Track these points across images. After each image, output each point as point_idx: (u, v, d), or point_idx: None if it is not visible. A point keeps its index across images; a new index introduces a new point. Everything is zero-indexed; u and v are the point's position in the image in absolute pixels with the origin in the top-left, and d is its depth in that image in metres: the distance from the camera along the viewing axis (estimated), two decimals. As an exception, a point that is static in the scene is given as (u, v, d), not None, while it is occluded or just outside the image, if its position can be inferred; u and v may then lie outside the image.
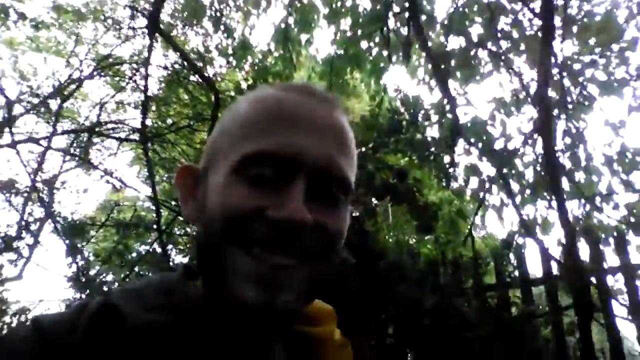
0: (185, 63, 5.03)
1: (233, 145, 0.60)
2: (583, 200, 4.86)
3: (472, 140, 4.76)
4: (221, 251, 0.57)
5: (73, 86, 6.96)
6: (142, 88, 6.89)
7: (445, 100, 4.21)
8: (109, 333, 0.55)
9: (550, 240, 4.70)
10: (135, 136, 5.84)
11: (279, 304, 0.55)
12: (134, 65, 6.70)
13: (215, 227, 0.57)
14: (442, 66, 3.88)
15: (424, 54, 5.93)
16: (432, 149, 4.43)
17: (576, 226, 4.88)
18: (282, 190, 0.56)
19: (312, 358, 0.68)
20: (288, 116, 0.59)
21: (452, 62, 4.80)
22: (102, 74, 7.01)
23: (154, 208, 9.65)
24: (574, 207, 4.95)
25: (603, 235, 4.44)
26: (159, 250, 5.39)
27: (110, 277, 7.90)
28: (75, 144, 6.74)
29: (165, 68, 5.87)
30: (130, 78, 6.65)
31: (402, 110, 4.29)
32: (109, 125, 7.02)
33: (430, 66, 5.71)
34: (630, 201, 4.66)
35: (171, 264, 4.13)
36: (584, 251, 4.37)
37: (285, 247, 0.55)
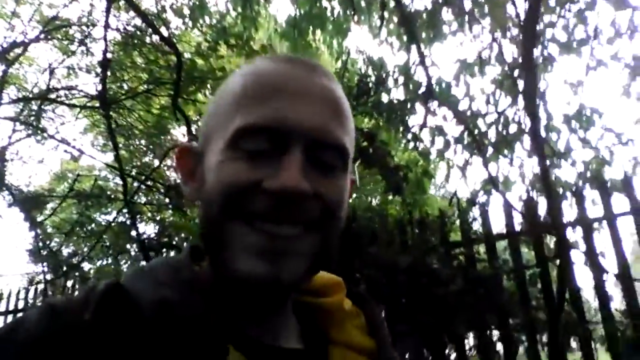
0: (144, 24, 4.77)
1: (226, 121, 0.59)
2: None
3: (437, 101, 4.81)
4: (223, 228, 0.56)
5: (17, 50, 6.50)
6: (94, 52, 6.57)
7: (418, 61, 4.18)
8: (119, 310, 0.55)
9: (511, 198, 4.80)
10: (94, 103, 5.55)
11: (284, 276, 0.55)
12: (84, 28, 6.33)
13: (215, 204, 0.57)
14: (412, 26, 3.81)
15: (386, 14, 5.90)
16: (398, 112, 4.43)
17: (537, 183, 5.07)
18: (277, 161, 0.56)
19: (324, 329, 0.68)
20: (279, 87, 0.59)
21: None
22: (49, 37, 6.58)
23: (111, 177, 9.43)
24: (534, 164, 5.14)
25: (561, 191, 4.61)
26: (121, 219, 5.25)
27: (71, 249, 7.69)
28: (25, 112, 6.36)
29: (118, 30, 5.57)
30: (81, 41, 6.28)
31: (370, 72, 4.23)
32: (62, 92, 6.63)
33: (392, 26, 5.71)
34: (586, 158, 4.85)
35: (137, 233, 4.03)
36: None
37: (285, 218, 0.55)
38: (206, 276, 0.63)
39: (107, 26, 4.09)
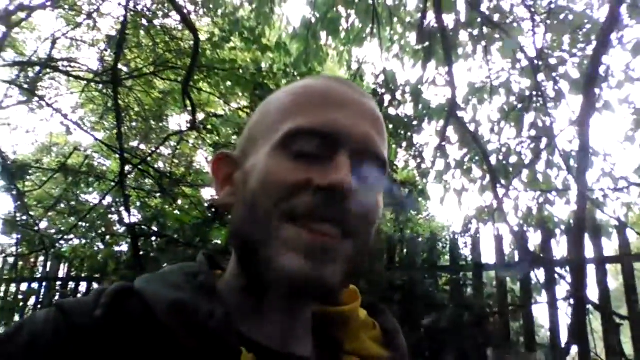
0: (164, 3, 4.67)
1: (275, 126, 0.62)
2: (539, 192, 5.04)
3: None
4: (267, 226, 0.57)
5: (21, 14, 6.33)
6: (100, 27, 6.43)
7: (441, 80, 4.15)
8: (131, 310, 0.56)
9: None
10: (100, 78, 5.40)
11: (327, 277, 0.56)
12: (93, 1, 6.19)
13: (260, 203, 0.58)
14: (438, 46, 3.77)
15: (400, 29, 5.90)
16: (404, 128, 4.40)
17: (529, 217, 5.07)
18: (326, 163, 0.58)
19: (338, 339, 0.67)
20: (328, 98, 0.62)
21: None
22: (56, 5, 6.42)
23: (97, 156, 9.21)
24: (528, 198, 5.14)
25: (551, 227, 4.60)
26: (107, 201, 5.11)
27: (46, 225, 7.44)
28: (21, 78, 6.16)
29: (128, 9, 5.42)
30: (89, 14, 6.13)
31: (382, 85, 4.19)
32: (62, 63, 6.45)
33: (410, 42, 5.70)
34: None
35: (129, 217, 3.92)
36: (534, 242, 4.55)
37: (331, 216, 0.56)
38: (225, 281, 0.65)
39: (127, 4, 3.98)
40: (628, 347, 3.51)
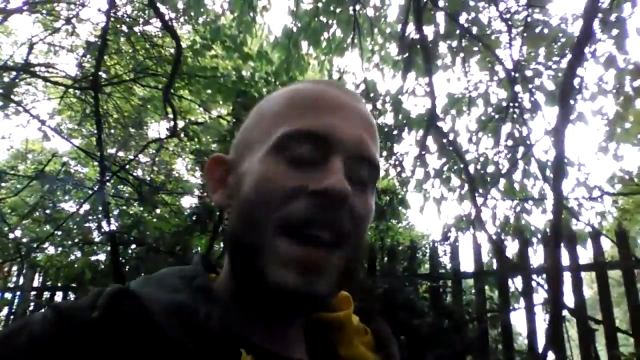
0: (146, 10, 4.65)
1: (269, 130, 0.62)
2: (516, 201, 5.13)
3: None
4: (261, 236, 0.57)
5: (-3, 18, 6.21)
6: (79, 33, 6.35)
7: (419, 90, 4.21)
8: (127, 312, 0.56)
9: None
10: (79, 84, 5.31)
11: (317, 289, 0.56)
12: (72, 7, 6.11)
13: (253, 209, 0.58)
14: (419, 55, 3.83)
15: (380, 40, 5.97)
16: (385, 137, 4.44)
17: (506, 226, 5.15)
18: (320, 168, 0.58)
19: (332, 344, 0.68)
20: (323, 102, 0.62)
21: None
22: (33, 10, 6.32)
23: (73, 164, 9.05)
24: (506, 207, 5.23)
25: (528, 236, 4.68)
26: (84, 209, 5.02)
27: (20, 233, 7.28)
28: (-3, 83, 6.05)
29: (109, 15, 5.36)
30: (67, 20, 6.04)
31: (363, 94, 4.23)
32: (39, 69, 6.33)
33: (390, 53, 5.77)
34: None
35: (108, 225, 3.85)
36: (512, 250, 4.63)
37: (325, 221, 0.56)
38: (221, 284, 0.65)
39: (109, 10, 3.94)
40: (603, 354, 3.59)
